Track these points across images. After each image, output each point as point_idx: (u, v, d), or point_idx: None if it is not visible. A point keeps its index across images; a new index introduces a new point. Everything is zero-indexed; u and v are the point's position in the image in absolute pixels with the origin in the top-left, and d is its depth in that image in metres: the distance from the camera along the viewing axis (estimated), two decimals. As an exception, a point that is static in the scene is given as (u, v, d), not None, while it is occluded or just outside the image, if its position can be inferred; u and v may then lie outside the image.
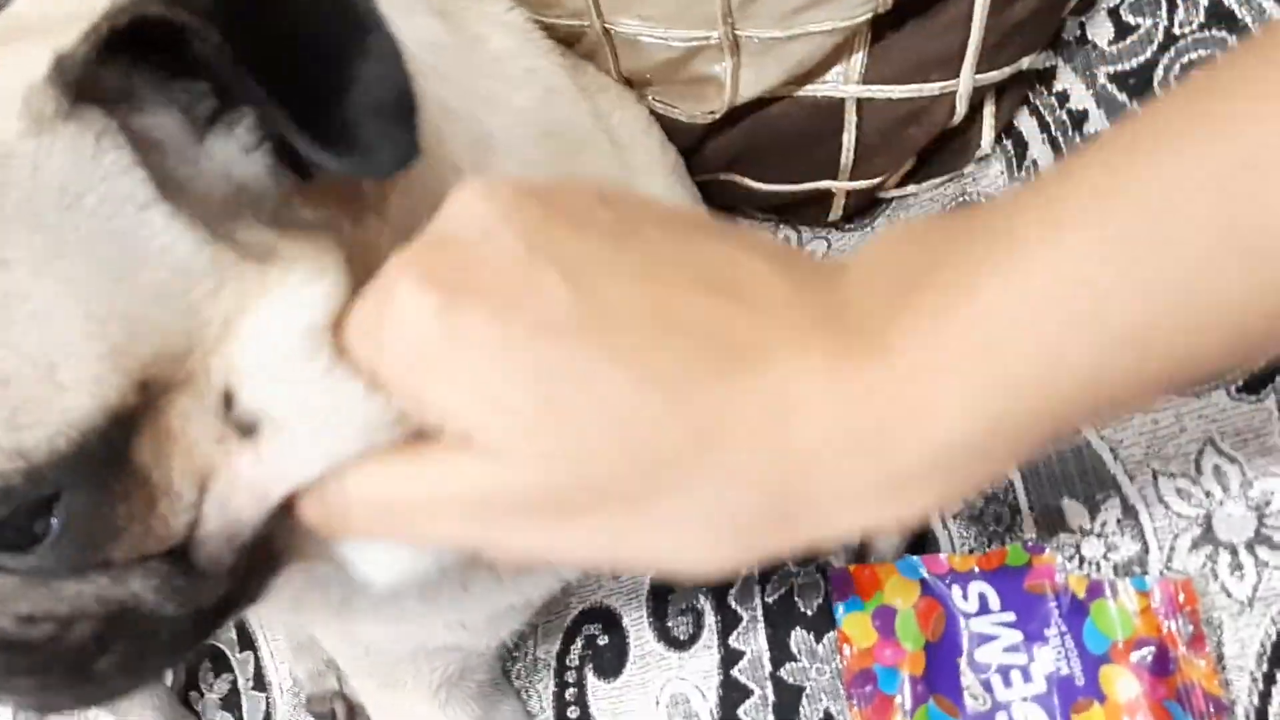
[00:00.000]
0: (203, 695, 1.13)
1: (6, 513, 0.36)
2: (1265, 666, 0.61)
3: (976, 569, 0.69)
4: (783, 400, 0.33)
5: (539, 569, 0.65)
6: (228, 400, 0.38)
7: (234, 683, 1.11)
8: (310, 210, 0.39)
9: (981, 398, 0.32)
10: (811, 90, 0.76)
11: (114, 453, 0.36)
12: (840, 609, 0.72)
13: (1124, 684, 0.63)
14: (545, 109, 0.59)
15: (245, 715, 1.09)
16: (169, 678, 1.11)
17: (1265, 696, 0.61)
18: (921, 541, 0.74)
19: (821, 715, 0.74)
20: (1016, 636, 0.66)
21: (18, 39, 0.40)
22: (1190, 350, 0.31)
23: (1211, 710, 0.61)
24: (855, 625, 0.71)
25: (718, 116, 0.77)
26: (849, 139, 0.77)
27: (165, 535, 0.39)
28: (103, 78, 0.36)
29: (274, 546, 0.42)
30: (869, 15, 0.69)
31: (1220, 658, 0.62)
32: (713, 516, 0.34)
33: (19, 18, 0.45)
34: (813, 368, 0.33)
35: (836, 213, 0.82)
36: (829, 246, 0.85)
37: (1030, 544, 0.69)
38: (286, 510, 0.40)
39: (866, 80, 0.74)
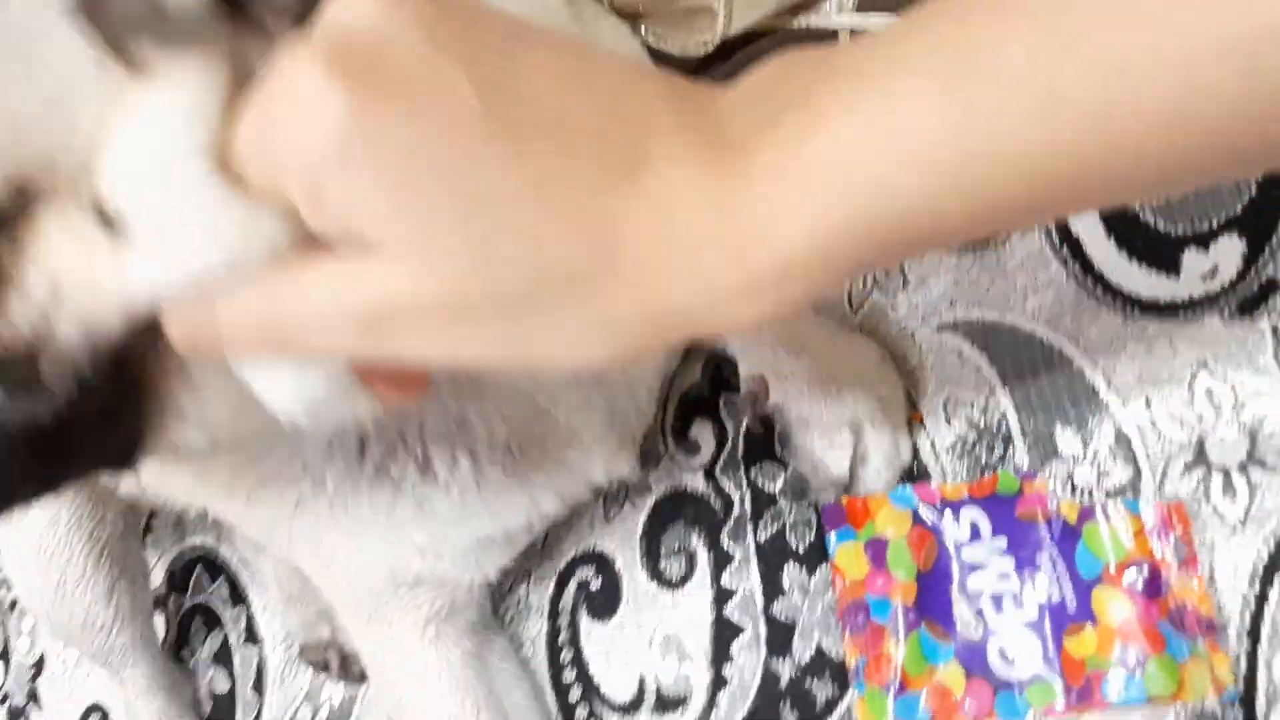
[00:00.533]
0: (194, 652, 1.14)
1: None
2: (1257, 586, 0.61)
3: (968, 495, 0.69)
4: (666, 207, 0.36)
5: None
6: (98, 209, 0.38)
7: (225, 638, 1.11)
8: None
9: (825, 216, 0.35)
10: (804, 21, 0.76)
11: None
12: (833, 539, 0.72)
13: (1116, 606, 0.63)
14: None
15: (237, 669, 1.09)
16: (160, 634, 1.11)
17: (1257, 616, 0.61)
18: (912, 476, 0.74)
19: (814, 649, 0.74)
20: (1008, 563, 0.66)
21: None
22: (997, 197, 0.35)
23: (1203, 629, 0.61)
24: (847, 556, 0.71)
25: (710, 48, 0.77)
26: (841, 73, 0.77)
27: (10, 336, 0.38)
28: None
29: (144, 382, 0.42)
30: (859, -57, 0.70)
31: (1212, 579, 0.62)
32: (605, 320, 0.36)
33: None
34: (686, 170, 0.36)
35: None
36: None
37: (1022, 471, 0.68)
38: (155, 340, 0.40)
39: (860, 8, 0.74)
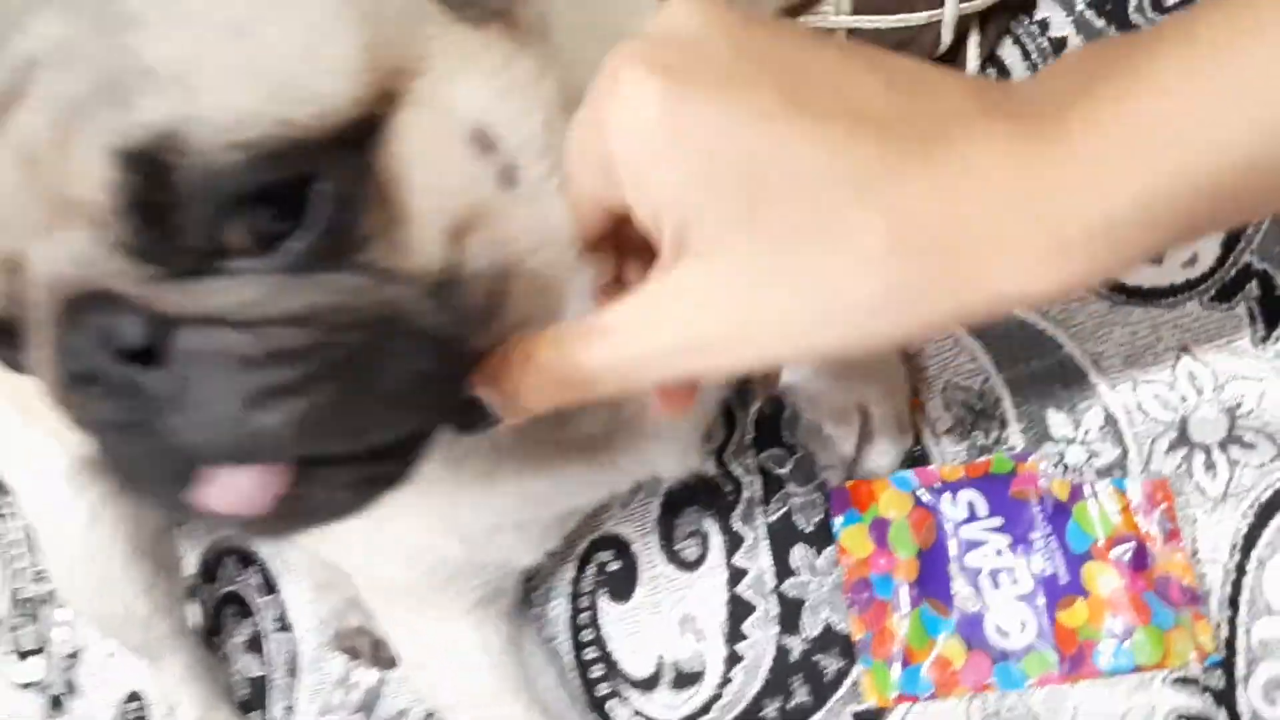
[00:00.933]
0: (227, 640, 1.18)
1: (271, 179, 0.36)
2: (1237, 557, 0.65)
3: (965, 477, 0.72)
4: (963, 168, 0.35)
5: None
6: (481, 138, 0.41)
7: (257, 626, 1.15)
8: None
9: (1153, 179, 0.33)
10: (804, 20, 0.79)
11: (360, 153, 0.38)
12: (839, 522, 0.76)
13: (1105, 579, 0.67)
14: None
15: (270, 655, 1.13)
16: (191, 618, 1.15)
17: (1236, 585, 0.65)
18: (913, 460, 0.77)
19: (822, 625, 0.78)
20: (1004, 540, 0.70)
21: None
22: None
23: (1186, 600, 0.65)
24: (852, 537, 0.75)
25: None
26: (838, 71, 0.80)
27: (414, 266, 0.40)
28: None
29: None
30: (854, -48, 0.73)
31: (1195, 551, 0.66)
32: (904, 299, 0.36)
33: None
34: (993, 144, 0.35)
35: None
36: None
37: (1014, 453, 0.72)
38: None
39: (857, 10, 0.78)
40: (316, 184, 0.37)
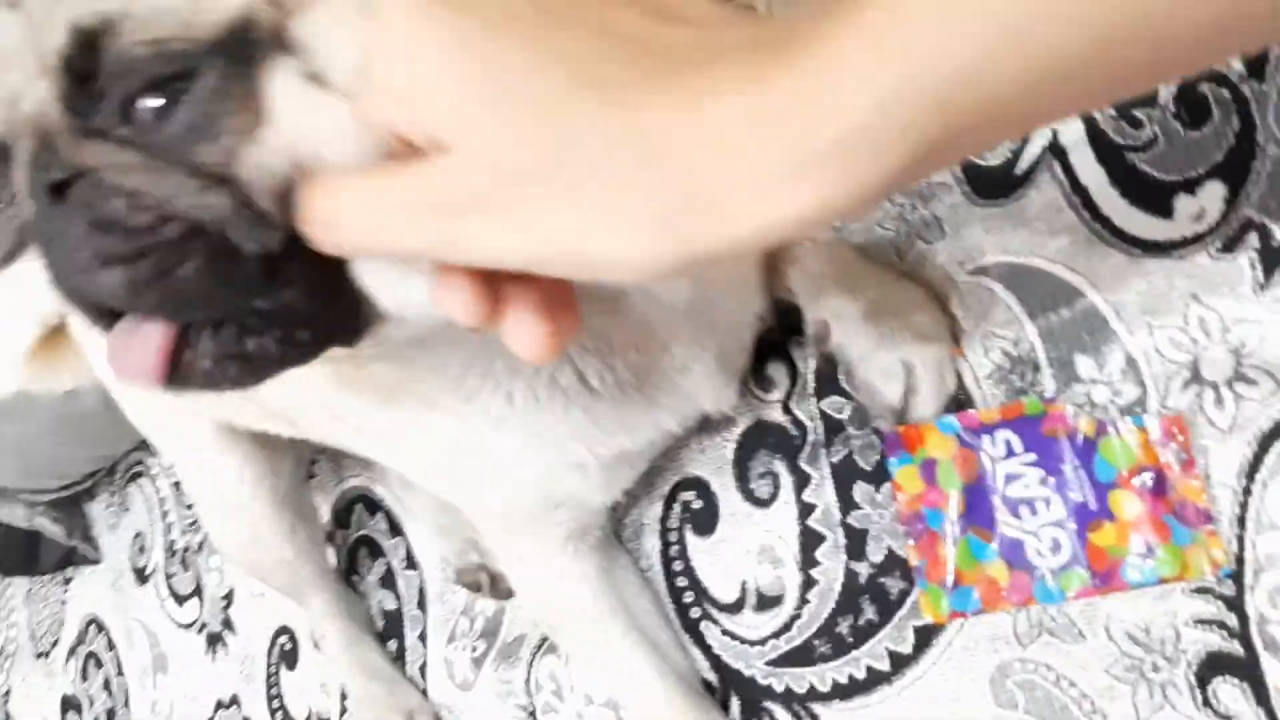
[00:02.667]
0: (363, 578, 1.32)
1: (163, 71, 0.45)
2: (1244, 481, 0.72)
3: (1001, 419, 0.81)
4: (700, 89, 0.36)
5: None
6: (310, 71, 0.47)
7: (388, 565, 1.29)
8: None
9: (886, 89, 0.33)
10: (837, 12, 0.86)
11: (244, 60, 0.46)
12: (893, 463, 0.85)
13: (1129, 505, 0.76)
14: None
15: (401, 591, 1.27)
16: (331, 560, 1.29)
17: (1244, 505, 0.72)
18: (958, 403, 0.86)
19: (885, 551, 0.87)
20: (1038, 474, 0.79)
21: None
22: (1058, 61, 0.33)
23: (1201, 520, 0.74)
24: (905, 476, 0.84)
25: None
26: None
27: (248, 164, 0.46)
28: None
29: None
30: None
31: (1208, 477, 0.74)
32: (645, 213, 0.37)
33: None
34: (738, 70, 0.36)
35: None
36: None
37: (1045, 395, 0.80)
38: None
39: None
40: (201, 77, 0.46)
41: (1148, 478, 0.75)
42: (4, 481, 1.62)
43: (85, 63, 0.46)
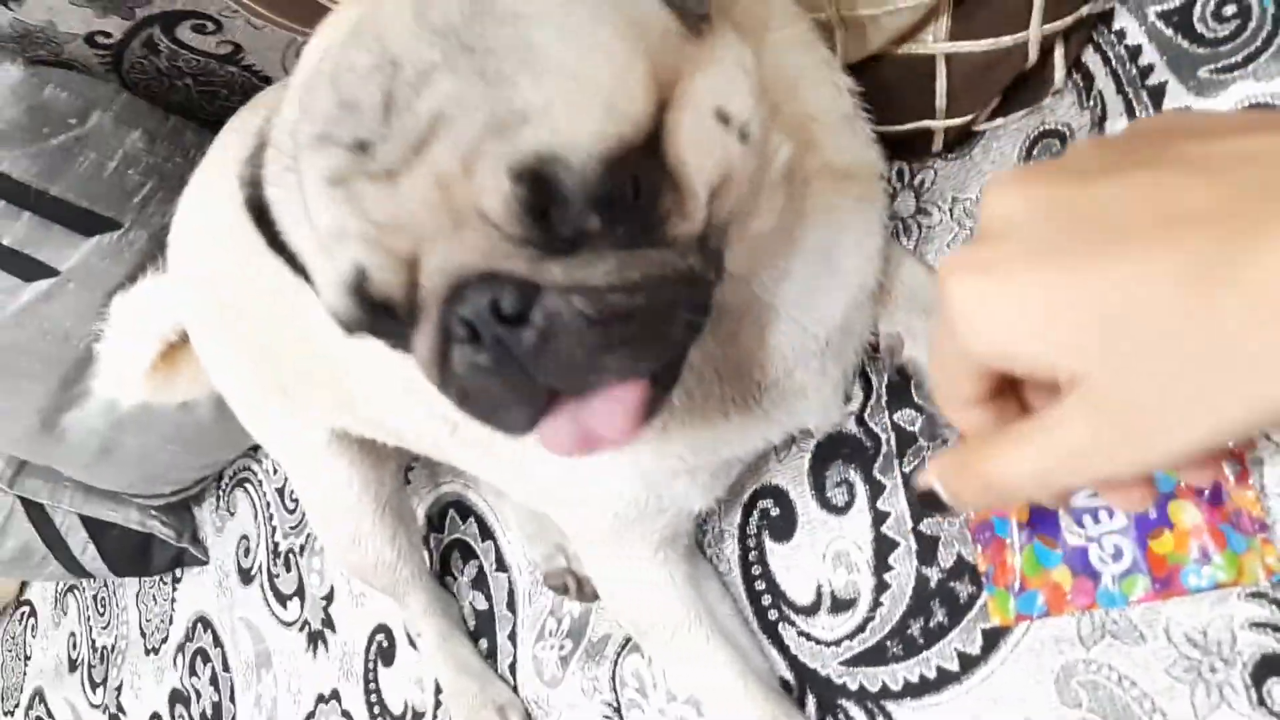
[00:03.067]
0: (455, 579, 1.39)
1: (621, 181, 0.53)
2: (1298, 493, 0.76)
3: (1064, 434, 0.85)
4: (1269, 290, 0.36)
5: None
6: (722, 116, 0.57)
7: (480, 567, 1.36)
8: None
9: None
10: (907, 49, 0.91)
11: (657, 149, 0.54)
12: (961, 474, 0.90)
13: (1188, 514, 0.80)
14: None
15: (492, 592, 1.34)
16: (427, 562, 1.36)
17: (1297, 516, 0.76)
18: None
19: (954, 557, 0.92)
20: (1100, 484, 0.83)
21: None
22: None
23: (1256, 528, 0.77)
24: (974, 485, 0.89)
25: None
26: (941, 86, 0.92)
27: (691, 225, 0.56)
28: None
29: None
30: (946, -5, 0.84)
31: (1262, 488, 0.78)
32: (1209, 409, 0.37)
33: None
34: None
35: (938, 146, 0.98)
36: (935, 175, 1.01)
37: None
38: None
39: (952, 38, 0.89)
40: (640, 180, 0.54)
41: (1205, 488, 0.79)
42: (122, 487, 1.73)
43: (543, 198, 0.52)
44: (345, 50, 0.55)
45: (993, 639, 0.88)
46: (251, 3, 0.94)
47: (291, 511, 1.65)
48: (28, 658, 2.22)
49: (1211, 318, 0.36)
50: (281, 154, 0.59)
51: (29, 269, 1.41)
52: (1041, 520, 0.85)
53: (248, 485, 1.75)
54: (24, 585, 2.29)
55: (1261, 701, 0.75)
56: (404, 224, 0.54)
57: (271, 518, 1.69)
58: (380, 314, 0.57)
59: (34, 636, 2.23)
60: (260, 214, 0.64)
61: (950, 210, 0.99)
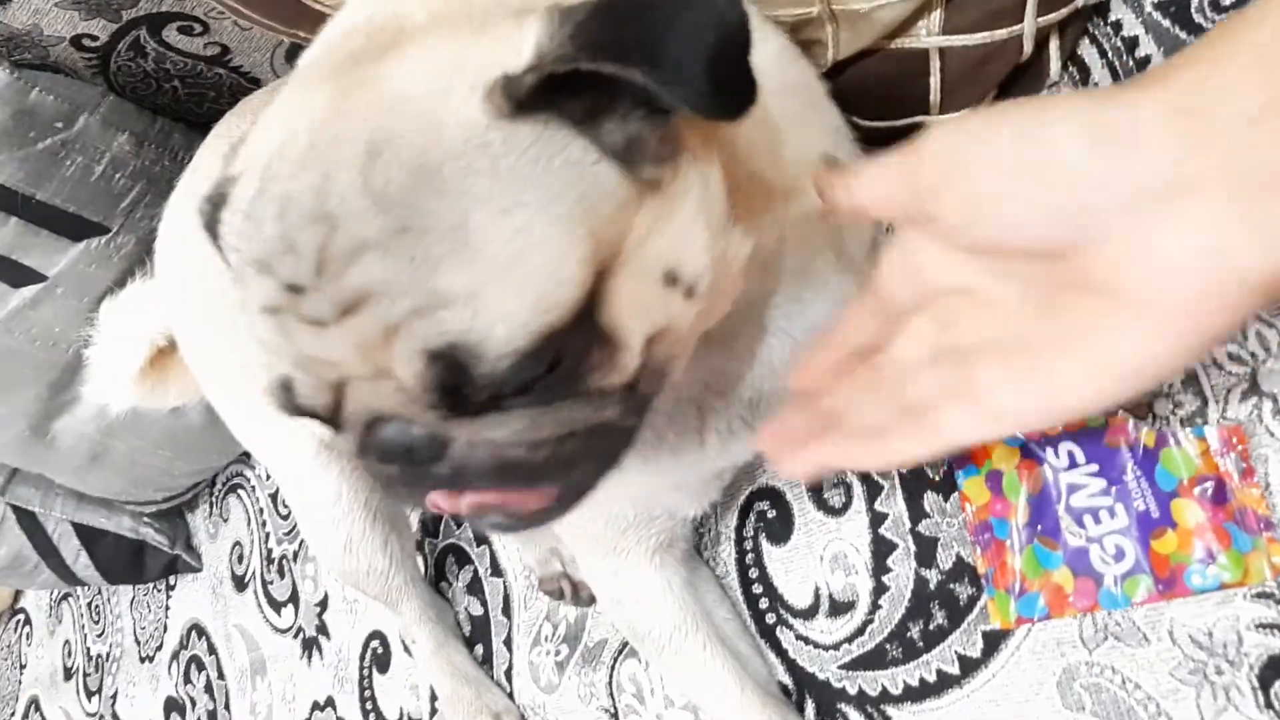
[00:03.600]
0: (450, 584, 1.38)
1: (545, 357, 0.53)
2: (1303, 490, 0.75)
3: (1063, 431, 0.84)
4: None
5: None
6: (670, 278, 0.57)
7: (475, 572, 1.35)
8: (675, 148, 0.57)
9: None
10: (900, 43, 0.90)
11: (588, 319, 0.54)
12: (960, 475, 0.88)
13: (1191, 513, 0.78)
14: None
15: (487, 598, 1.33)
16: (421, 568, 1.35)
17: (1303, 514, 0.75)
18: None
19: (954, 558, 0.91)
20: (1101, 484, 0.82)
21: (423, 35, 0.56)
22: None
23: (1261, 527, 0.76)
24: (973, 488, 0.87)
25: (825, 69, 0.91)
26: (935, 80, 0.91)
27: (620, 377, 0.56)
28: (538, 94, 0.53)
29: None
30: (939, -13, 0.83)
31: (1267, 485, 0.76)
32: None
33: (402, 17, 0.59)
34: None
35: (933, 142, 0.96)
36: (930, 170, 0.99)
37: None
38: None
39: (945, 31, 0.88)
40: (565, 350, 0.54)
41: (1209, 486, 0.78)
42: (113, 494, 1.72)
43: (454, 379, 0.53)
44: (294, 176, 0.54)
45: (993, 641, 0.87)
46: (234, 3, 0.93)
47: (285, 517, 1.64)
48: (23, 666, 2.20)
49: None
50: (231, 233, 0.58)
51: (16, 275, 1.40)
52: (1042, 521, 0.84)
53: (240, 491, 1.74)
54: (18, 594, 2.28)
55: (1269, 704, 0.73)
56: (331, 362, 0.55)
57: (265, 524, 1.67)
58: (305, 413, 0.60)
59: (29, 645, 2.21)
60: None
61: (946, 206, 0.97)
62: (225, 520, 1.76)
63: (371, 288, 0.51)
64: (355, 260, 0.51)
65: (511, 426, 0.55)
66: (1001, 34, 0.86)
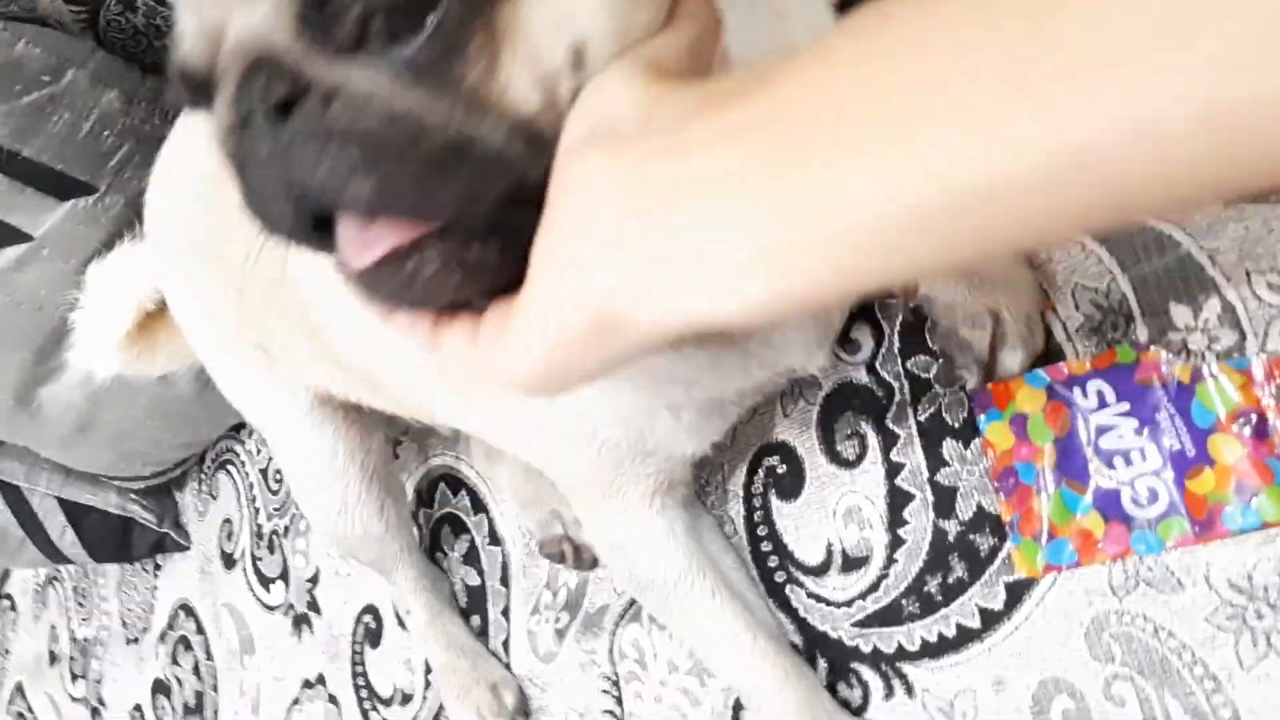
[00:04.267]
0: (446, 555, 1.34)
1: (419, 14, 0.46)
2: (1350, 422, 0.71)
3: (1091, 369, 0.80)
4: (694, 176, 0.39)
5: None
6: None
7: (472, 541, 1.30)
8: None
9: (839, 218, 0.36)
10: None
11: None
12: (983, 420, 0.84)
13: (1230, 449, 0.74)
14: None
15: (485, 567, 1.28)
16: (416, 537, 1.30)
17: (1350, 447, 0.71)
18: (1048, 357, 0.85)
19: (974, 508, 0.87)
20: (1133, 423, 0.78)
21: None
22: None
23: (1305, 463, 0.72)
24: (996, 432, 0.84)
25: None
26: None
27: (507, 101, 0.48)
28: None
29: None
30: None
31: (1311, 418, 0.73)
32: (549, 324, 0.44)
33: None
34: (722, 152, 0.39)
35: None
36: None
37: (1137, 343, 0.79)
38: None
39: None
40: (442, 4, 0.46)
41: (1249, 420, 0.74)
42: (99, 468, 1.67)
43: None
44: None
45: (1017, 593, 0.83)
46: None
47: (275, 492, 1.60)
48: (7, 652, 2.15)
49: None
50: None
51: (2, 234, 1.36)
52: (1069, 464, 0.80)
53: (230, 467, 1.69)
54: (4, 578, 2.23)
55: (1314, 647, 0.70)
56: None
57: (255, 499, 1.63)
58: (192, 88, 0.53)
59: (14, 631, 2.16)
60: None
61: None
62: (214, 498, 1.72)
63: None
64: None
65: (374, 82, 0.47)
66: None
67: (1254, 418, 0.74)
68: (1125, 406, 0.78)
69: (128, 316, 1.26)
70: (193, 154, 1.12)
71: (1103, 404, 0.79)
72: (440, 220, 0.49)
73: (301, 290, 0.91)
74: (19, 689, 2.09)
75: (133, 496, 1.74)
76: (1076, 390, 0.80)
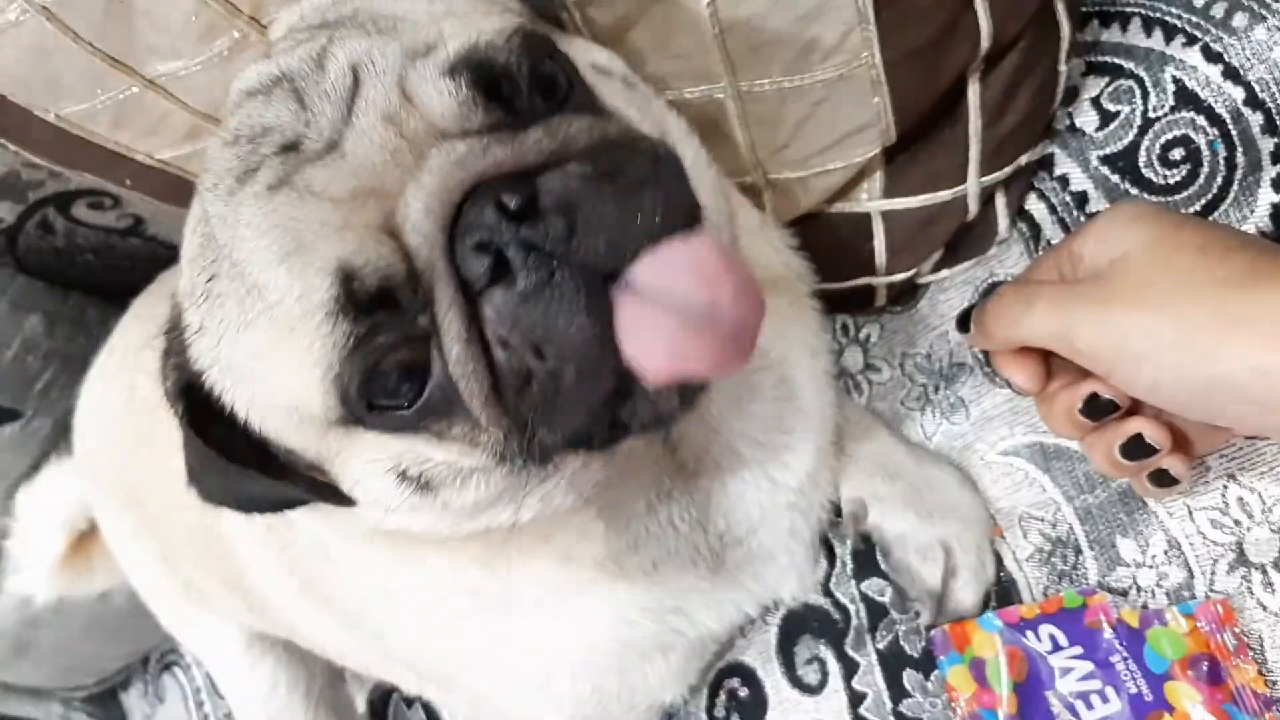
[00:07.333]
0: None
1: (542, 55, 0.56)
2: (1304, 667, 0.71)
3: (1040, 614, 0.80)
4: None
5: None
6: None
7: (431, 755, 1.26)
8: None
9: None
10: (841, 207, 0.87)
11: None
12: (943, 662, 0.83)
13: (1187, 695, 0.74)
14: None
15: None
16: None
17: (1306, 693, 0.71)
18: (1001, 588, 0.85)
19: (939, 741, 0.86)
20: (1088, 666, 0.77)
21: None
22: None
23: (1263, 705, 0.72)
24: (958, 677, 0.82)
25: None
26: (880, 243, 0.88)
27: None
28: None
29: None
30: (875, 152, 0.80)
31: (1264, 661, 0.73)
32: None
33: None
34: None
35: (881, 301, 0.93)
36: (881, 329, 0.96)
37: (1086, 581, 0.79)
38: None
39: (886, 195, 0.85)
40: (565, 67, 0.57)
41: (1203, 666, 0.74)
42: (40, 682, 1.61)
43: (481, 76, 0.52)
44: (229, 145, 0.56)
45: (990, 833, 0.81)
46: (28, 151, 0.87)
47: (224, 698, 1.54)
48: None
49: None
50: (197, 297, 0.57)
51: (-72, 471, 1.32)
52: (1033, 708, 0.79)
53: (175, 669, 1.64)
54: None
55: None
56: (366, 185, 0.50)
57: (203, 704, 1.57)
58: (384, 323, 0.51)
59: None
60: (189, 389, 0.60)
61: (901, 365, 0.94)
62: (161, 701, 1.65)
63: (358, 57, 0.52)
64: (327, 58, 0.53)
65: (577, 124, 0.52)
66: (944, 195, 0.83)
67: (1205, 665, 0.74)
68: (1079, 650, 0.78)
69: (61, 539, 1.23)
70: (118, 387, 1.11)
71: (1056, 647, 0.79)
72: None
73: (221, 535, 0.91)
74: None
75: (76, 704, 1.68)
76: (1030, 634, 0.80)
